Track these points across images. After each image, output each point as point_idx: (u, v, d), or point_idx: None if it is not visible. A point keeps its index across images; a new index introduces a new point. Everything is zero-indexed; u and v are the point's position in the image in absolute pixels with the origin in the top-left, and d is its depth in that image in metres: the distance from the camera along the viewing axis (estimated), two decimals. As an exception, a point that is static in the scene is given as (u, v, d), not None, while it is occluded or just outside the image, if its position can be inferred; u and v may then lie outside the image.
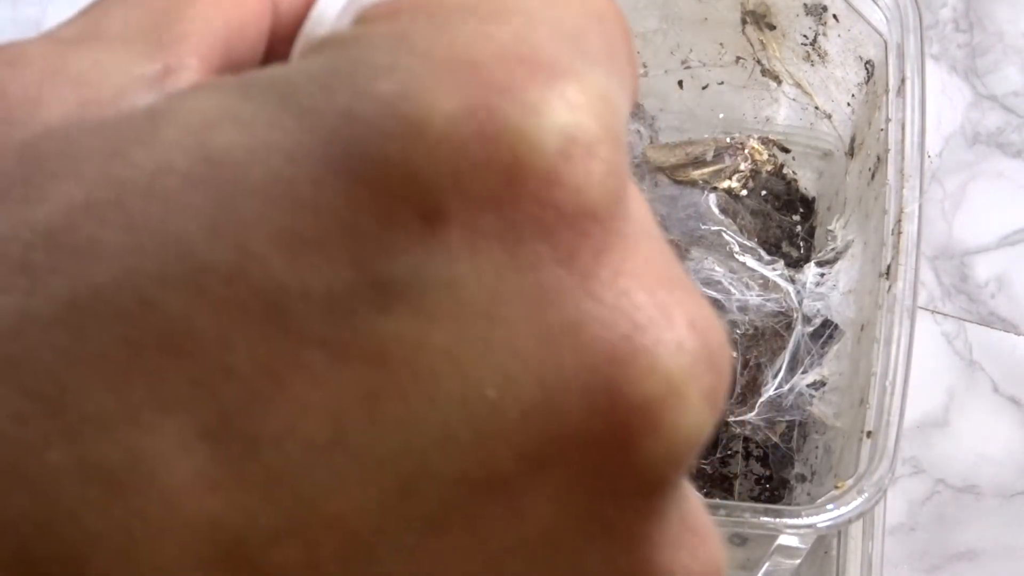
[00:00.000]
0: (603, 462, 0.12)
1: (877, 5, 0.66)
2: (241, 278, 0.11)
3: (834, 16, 0.71)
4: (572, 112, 0.12)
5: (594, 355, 0.12)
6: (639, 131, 0.77)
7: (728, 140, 0.77)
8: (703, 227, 0.72)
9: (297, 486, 0.11)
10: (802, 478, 0.68)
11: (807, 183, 0.77)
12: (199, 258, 0.11)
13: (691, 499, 0.14)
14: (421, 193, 0.12)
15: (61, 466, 0.11)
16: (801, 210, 0.77)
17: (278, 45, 0.17)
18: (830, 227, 0.70)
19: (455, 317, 0.12)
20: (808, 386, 0.66)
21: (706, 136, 0.78)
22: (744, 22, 0.74)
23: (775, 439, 0.68)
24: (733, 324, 0.68)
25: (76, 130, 0.13)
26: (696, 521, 0.14)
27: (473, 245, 0.12)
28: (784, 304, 0.68)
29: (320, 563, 0.12)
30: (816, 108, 0.75)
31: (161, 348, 0.11)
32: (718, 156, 0.76)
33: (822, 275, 0.68)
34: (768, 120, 0.78)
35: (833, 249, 0.69)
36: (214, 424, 0.11)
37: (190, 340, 0.11)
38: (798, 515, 0.53)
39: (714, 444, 0.68)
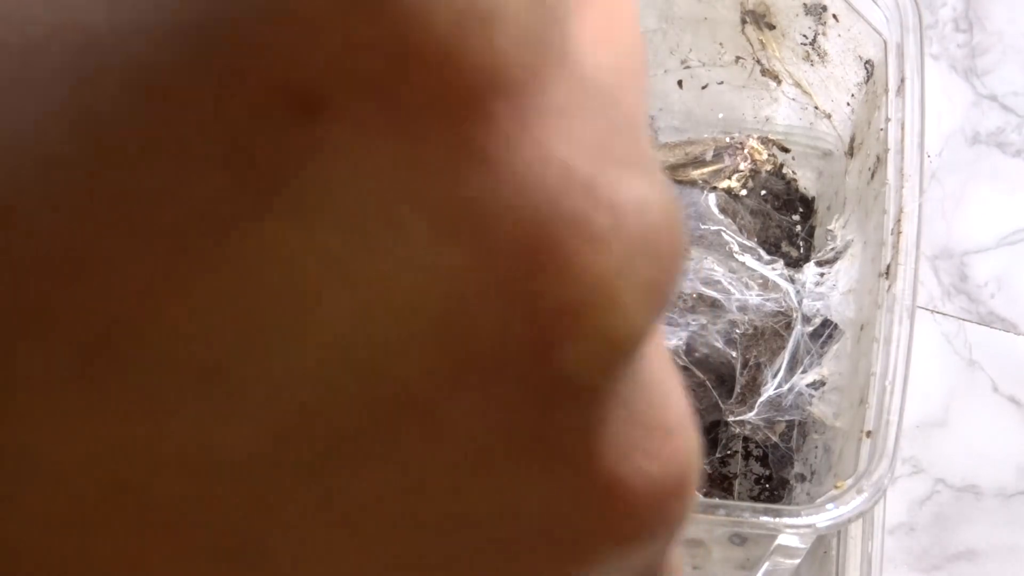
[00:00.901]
0: (525, 374, 0.11)
1: (877, 5, 0.66)
2: (103, 186, 0.10)
3: (834, 16, 0.71)
4: None
5: (505, 256, 0.11)
6: (639, 131, 0.77)
7: (728, 140, 0.77)
8: (703, 227, 0.72)
9: (180, 418, 0.10)
10: (802, 478, 0.68)
11: (807, 183, 0.77)
12: (57, 161, 0.10)
13: (648, 391, 0.12)
14: (298, 80, 0.10)
15: None
16: (801, 210, 0.77)
17: None
18: (830, 227, 0.70)
19: (342, 222, 0.10)
20: (808, 386, 0.66)
21: (706, 136, 0.78)
22: (744, 22, 0.74)
23: (775, 439, 0.68)
24: (733, 324, 0.68)
25: None
26: (654, 417, 0.12)
27: (360, 138, 0.10)
28: (784, 304, 0.68)
29: (214, 497, 0.11)
30: (816, 108, 0.75)
31: (27, 267, 0.10)
32: (718, 156, 0.76)
33: (822, 275, 0.68)
34: (768, 120, 0.78)
35: (833, 249, 0.69)
36: (88, 350, 0.10)
37: (56, 256, 0.10)
38: (798, 515, 0.53)
39: (714, 444, 0.68)
